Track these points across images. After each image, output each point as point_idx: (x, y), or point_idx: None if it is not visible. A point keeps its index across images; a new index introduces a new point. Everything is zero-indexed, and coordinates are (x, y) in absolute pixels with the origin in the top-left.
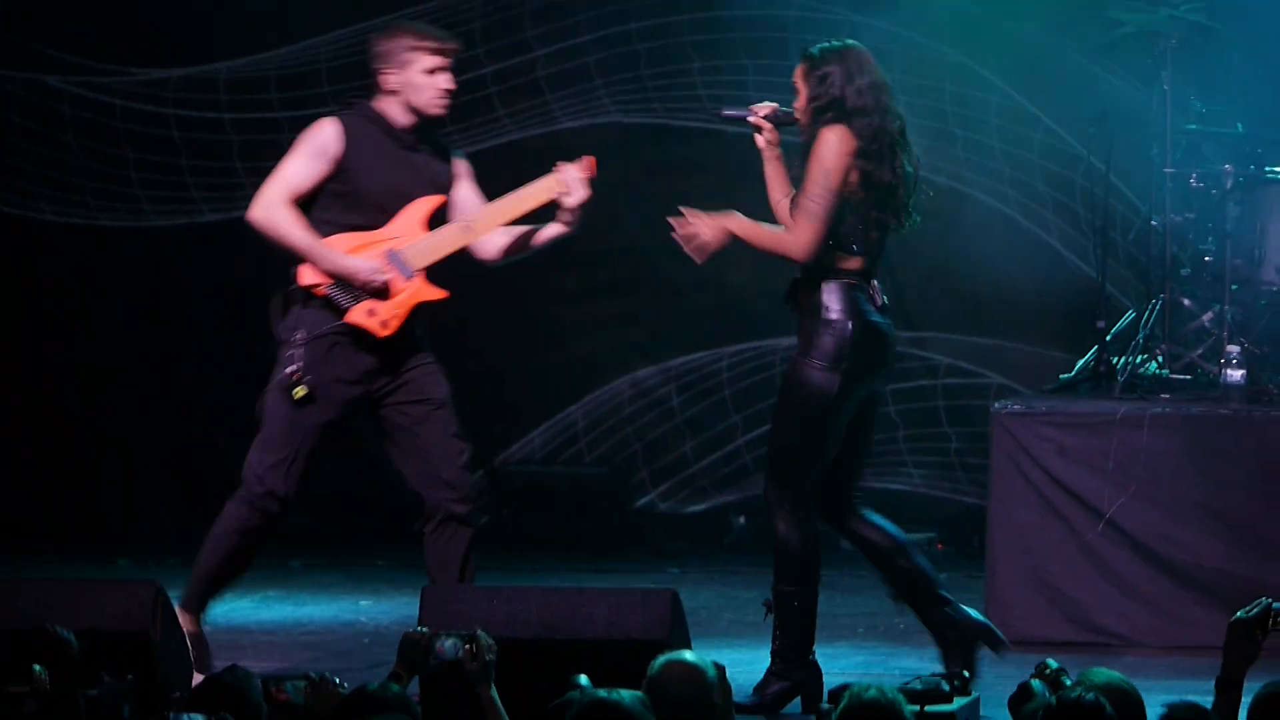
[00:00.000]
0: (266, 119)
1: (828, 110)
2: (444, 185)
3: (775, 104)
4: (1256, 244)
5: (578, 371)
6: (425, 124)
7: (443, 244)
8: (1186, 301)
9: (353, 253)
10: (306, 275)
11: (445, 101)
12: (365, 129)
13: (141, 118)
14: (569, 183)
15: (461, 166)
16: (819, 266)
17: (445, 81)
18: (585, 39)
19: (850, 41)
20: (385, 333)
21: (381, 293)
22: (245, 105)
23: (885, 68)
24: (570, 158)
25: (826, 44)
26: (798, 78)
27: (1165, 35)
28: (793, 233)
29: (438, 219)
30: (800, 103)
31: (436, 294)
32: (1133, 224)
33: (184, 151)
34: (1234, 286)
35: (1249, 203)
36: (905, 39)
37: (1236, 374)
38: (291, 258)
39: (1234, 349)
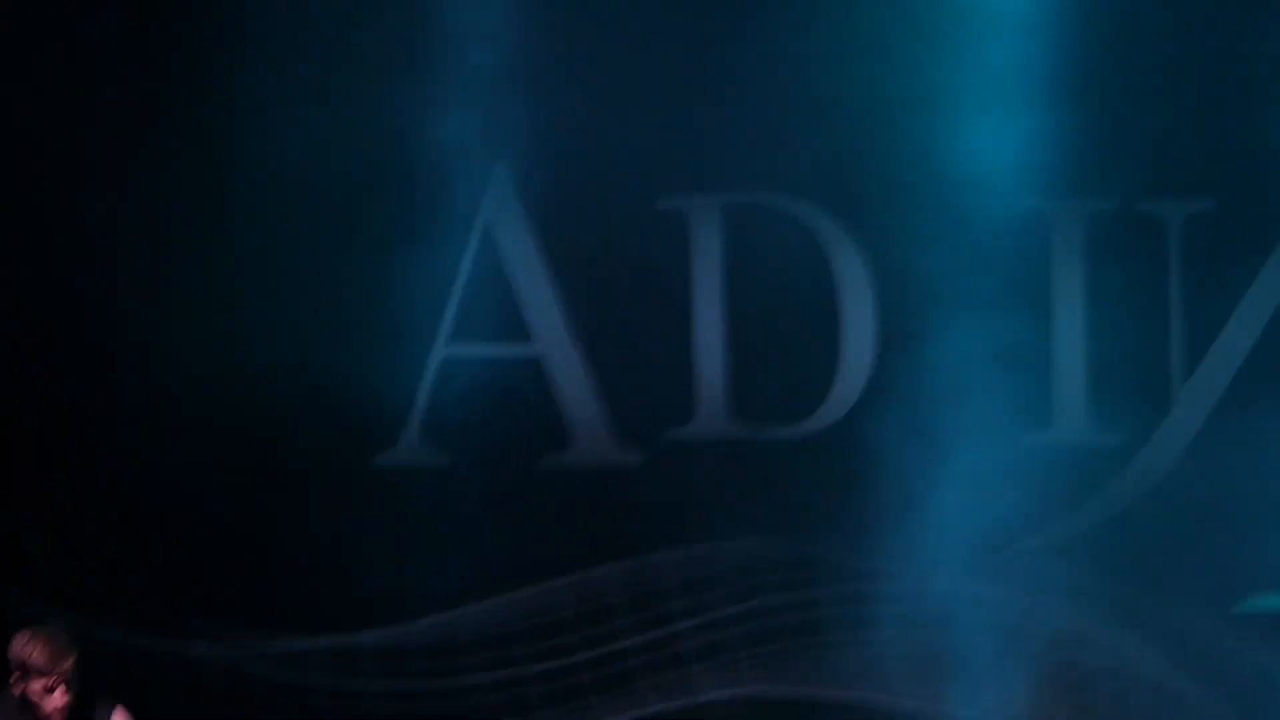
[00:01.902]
0: (410, 690)
1: None
2: None
3: None
4: None
5: None
6: None
7: None
8: None
9: None
10: None
11: (62, 716)
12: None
13: (285, 687)
14: None
15: None
16: None
17: (58, 699)
18: (729, 611)
19: None
20: None
21: None
22: (389, 675)
23: None
24: None
25: None
26: None
27: None
28: None
29: None
30: None
31: None
32: None
33: None
34: None
35: None
36: None
37: None
38: None
39: None
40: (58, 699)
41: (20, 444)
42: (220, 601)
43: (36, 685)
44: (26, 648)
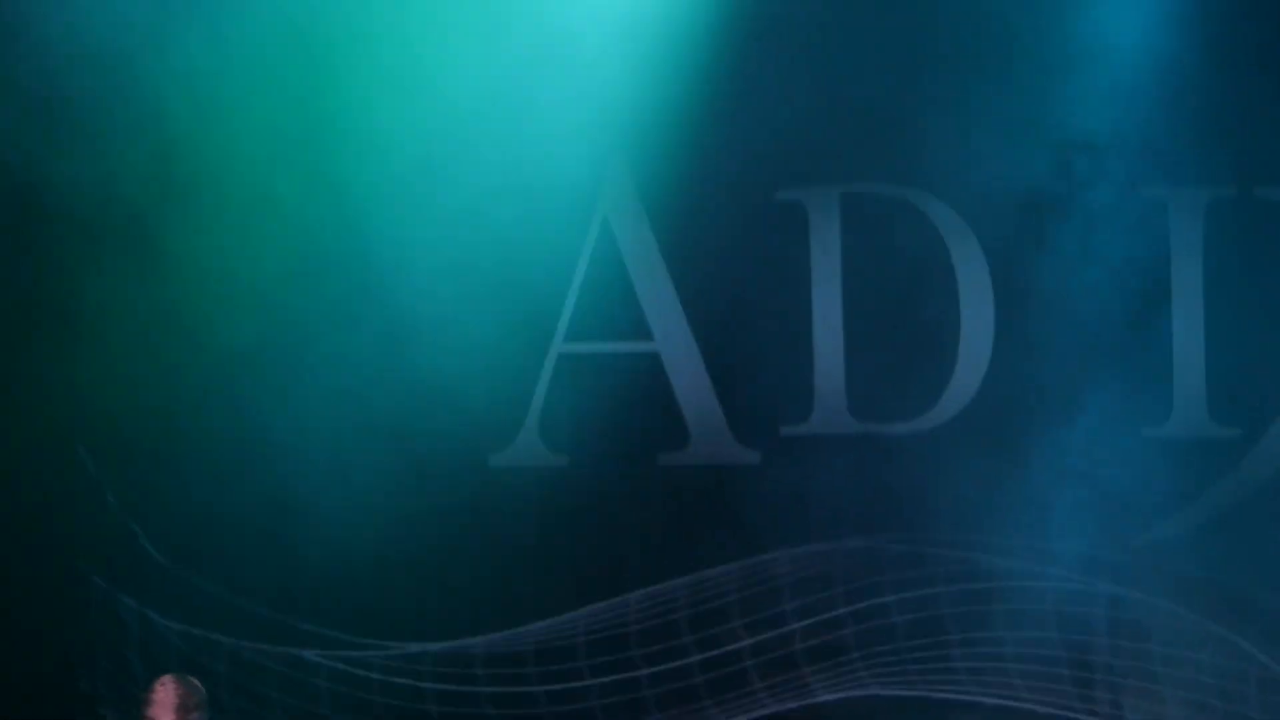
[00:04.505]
0: (524, 693)
1: None
2: None
3: None
4: None
5: None
6: None
7: None
8: None
9: None
10: None
11: None
12: None
13: (399, 692)
14: None
15: None
16: None
17: None
18: (842, 611)
19: None
20: None
21: None
22: (503, 679)
23: None
24: None
25: None
26: None
27: None
28: None
29: None
30: None
31: None
32: None
33: None
34: None
35: None
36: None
37: None
38: None
39: None
40: None
41: (140, 445)
42: (332, 605)
43: None
44: (161, 692)
